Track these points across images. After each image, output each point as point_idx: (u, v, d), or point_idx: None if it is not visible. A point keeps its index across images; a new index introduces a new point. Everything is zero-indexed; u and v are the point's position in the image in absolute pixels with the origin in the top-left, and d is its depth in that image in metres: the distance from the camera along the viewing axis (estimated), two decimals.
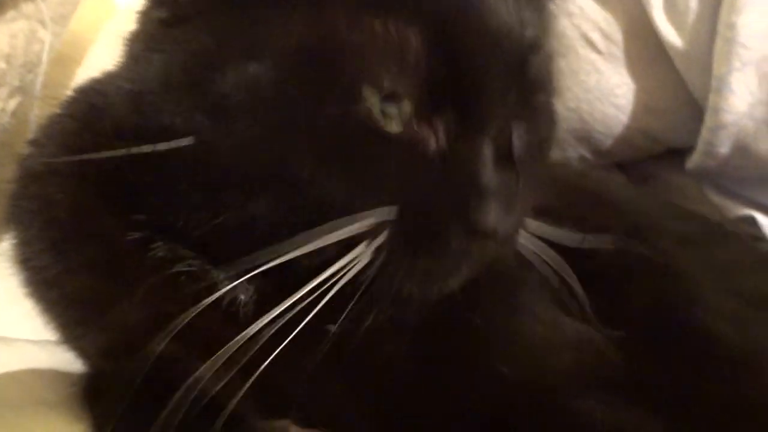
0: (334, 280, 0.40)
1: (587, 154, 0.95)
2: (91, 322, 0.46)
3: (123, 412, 0.41)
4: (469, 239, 0.41)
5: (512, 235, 0.44)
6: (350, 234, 0.40)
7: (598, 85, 0.87)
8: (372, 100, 0.40)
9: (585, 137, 0.92)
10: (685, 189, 0.94)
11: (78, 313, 0.47)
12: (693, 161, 0.88)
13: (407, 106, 0.41)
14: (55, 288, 0.47)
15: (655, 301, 0.53)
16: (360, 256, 0.40)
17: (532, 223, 0.48)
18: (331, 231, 0.39)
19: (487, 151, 0.42)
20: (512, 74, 0.43)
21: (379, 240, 0.41)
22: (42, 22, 0.67)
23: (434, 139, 0.42)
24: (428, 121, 0.42)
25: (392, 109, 0.40)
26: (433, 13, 0.41)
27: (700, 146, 0.83)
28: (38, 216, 0.47)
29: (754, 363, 0.49)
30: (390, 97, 0.40)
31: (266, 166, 0.40)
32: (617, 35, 0.85)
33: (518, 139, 0.45)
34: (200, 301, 0.40)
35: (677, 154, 0.96)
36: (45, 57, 0.67)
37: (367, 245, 0.40)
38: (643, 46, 0.84)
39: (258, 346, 0.39)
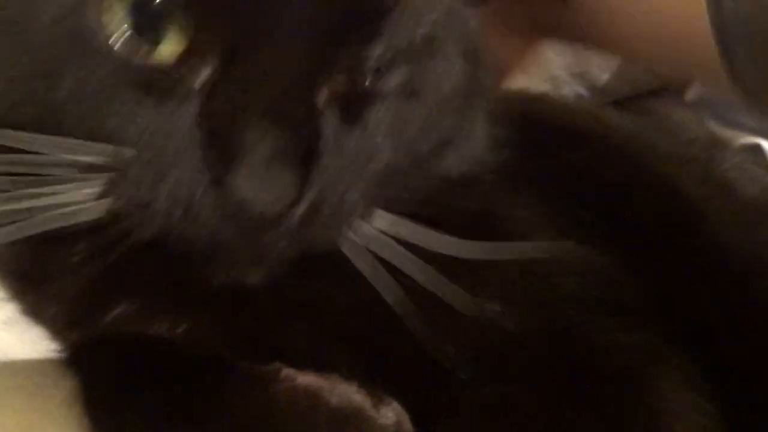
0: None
1: (583, 92, 0.92)
2: (42, 293, 0.42)
3: (106, 387, 0.39)
4: (217, 209, 0.32)
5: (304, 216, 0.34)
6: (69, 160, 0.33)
7: None
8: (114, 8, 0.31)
9: (580, 73, 0.89)
10: (686, 122, 0.91)
11: (28, 285, 0.43)
12: (693, 92, 0.85)
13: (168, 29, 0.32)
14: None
15: (658, 218, 0.50)
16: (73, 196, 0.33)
17: (385, 218, 0.38)
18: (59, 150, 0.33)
19: (251, 101, 0.32)
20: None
21: (99, 183, 0.33)
22: None
23: (198, 74, 0.33)
24: (192, 49, 0.33)
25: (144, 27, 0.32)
26: None
27: None
28: None
29: (762, 270, 0.47)
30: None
31: None
32: None
33: (332, 98, 0.35)
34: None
35: (675, 88, 0.93)
36: None
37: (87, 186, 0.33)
38: None
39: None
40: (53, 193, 0.33)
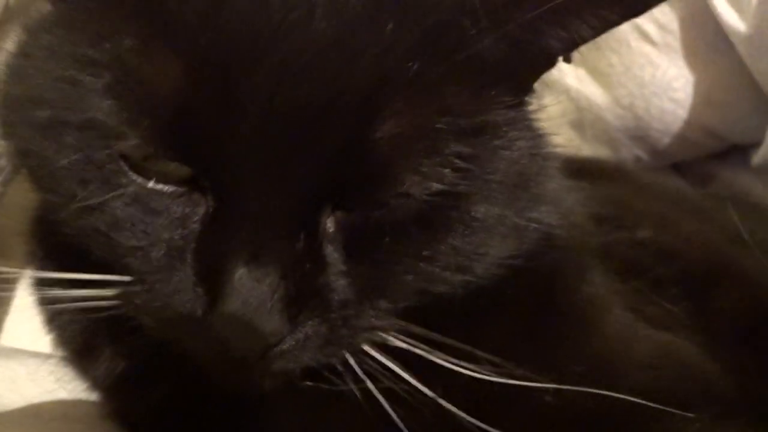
0: None
1: (643, 155, 0.90)
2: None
3: None
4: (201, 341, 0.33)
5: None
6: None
7: (654, 80, 0.82)
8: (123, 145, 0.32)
9: (640, 136, 0.87)
10: (750, 188, 0.88)
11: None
12: (759, 156, 0.82)
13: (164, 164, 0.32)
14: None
15: (743, 312, 0.47)
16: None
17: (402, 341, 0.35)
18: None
19: (240, 239, 0.31)
20: (309, 132, 0.30)
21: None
22: None
23: (196, 209, 0.32)
24: (191, 185, 0.32)
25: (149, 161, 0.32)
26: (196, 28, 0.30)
27: None
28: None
29: None
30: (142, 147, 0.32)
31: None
32: (673, 24, 0.80)
33: (330, 236, 0.33)
34: None
35: (739, 151, 0.91)
36: None
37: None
38: (702, 34, 0.80)
39: None
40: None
